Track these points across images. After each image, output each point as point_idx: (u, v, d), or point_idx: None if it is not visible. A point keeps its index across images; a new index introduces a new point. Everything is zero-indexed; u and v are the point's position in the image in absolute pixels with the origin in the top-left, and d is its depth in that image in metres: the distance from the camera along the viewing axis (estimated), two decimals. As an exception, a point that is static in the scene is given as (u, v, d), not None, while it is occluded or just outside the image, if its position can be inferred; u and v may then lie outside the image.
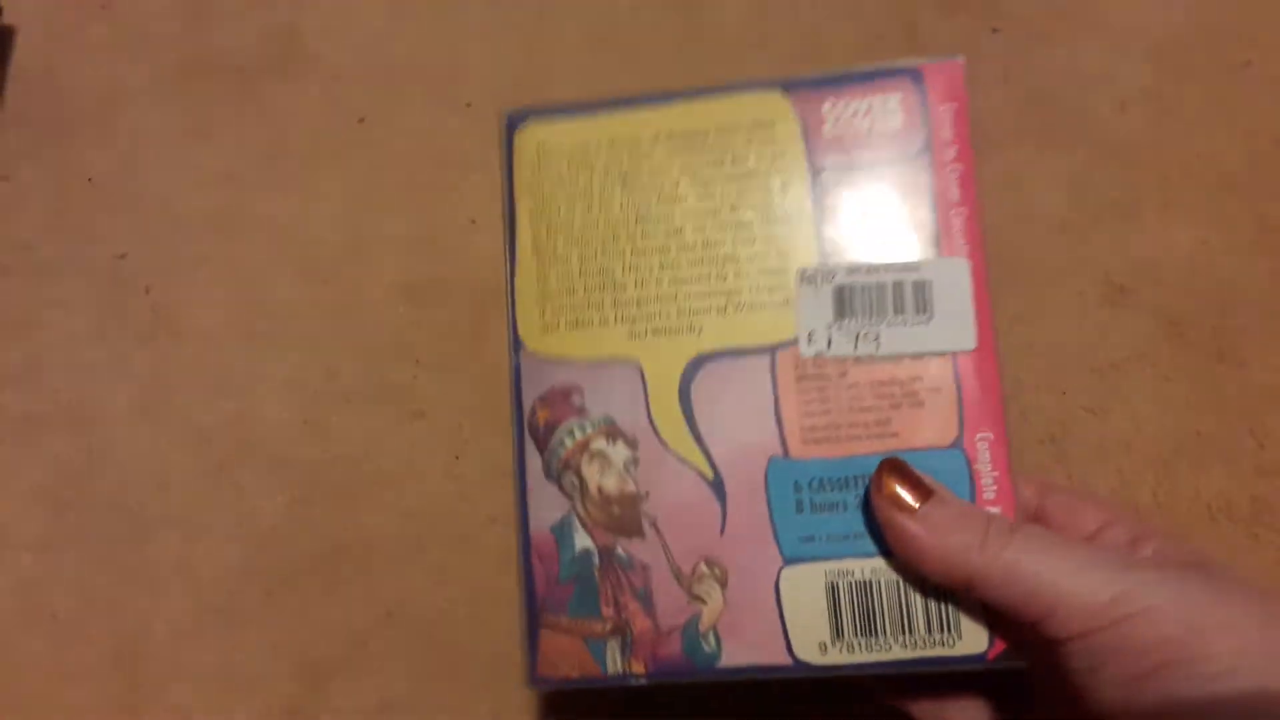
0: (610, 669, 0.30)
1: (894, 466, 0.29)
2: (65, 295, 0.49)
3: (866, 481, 0.30)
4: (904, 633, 0.29)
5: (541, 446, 0.31)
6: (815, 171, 0.31)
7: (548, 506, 0.31)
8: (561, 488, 0.31)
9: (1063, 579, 0.26)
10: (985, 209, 0.45)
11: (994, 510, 0.29)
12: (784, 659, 0.30)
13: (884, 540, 0.29)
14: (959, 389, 0.30)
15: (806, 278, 0.31)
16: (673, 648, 0.30)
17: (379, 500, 0.44)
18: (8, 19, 0.53)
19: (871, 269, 0.31)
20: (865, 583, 0.30)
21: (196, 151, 0.51)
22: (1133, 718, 0.25)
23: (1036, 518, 0.33)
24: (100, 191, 0.51)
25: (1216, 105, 0.47)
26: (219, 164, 0.50)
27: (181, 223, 0.50)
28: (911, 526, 0.28)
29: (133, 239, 0.49)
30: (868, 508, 0.30)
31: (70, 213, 0.50)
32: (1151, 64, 0.47)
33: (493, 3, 0.52)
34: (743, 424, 0.31)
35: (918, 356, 0.30)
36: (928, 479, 0.29)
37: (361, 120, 0.51)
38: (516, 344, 0.32)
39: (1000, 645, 0.29)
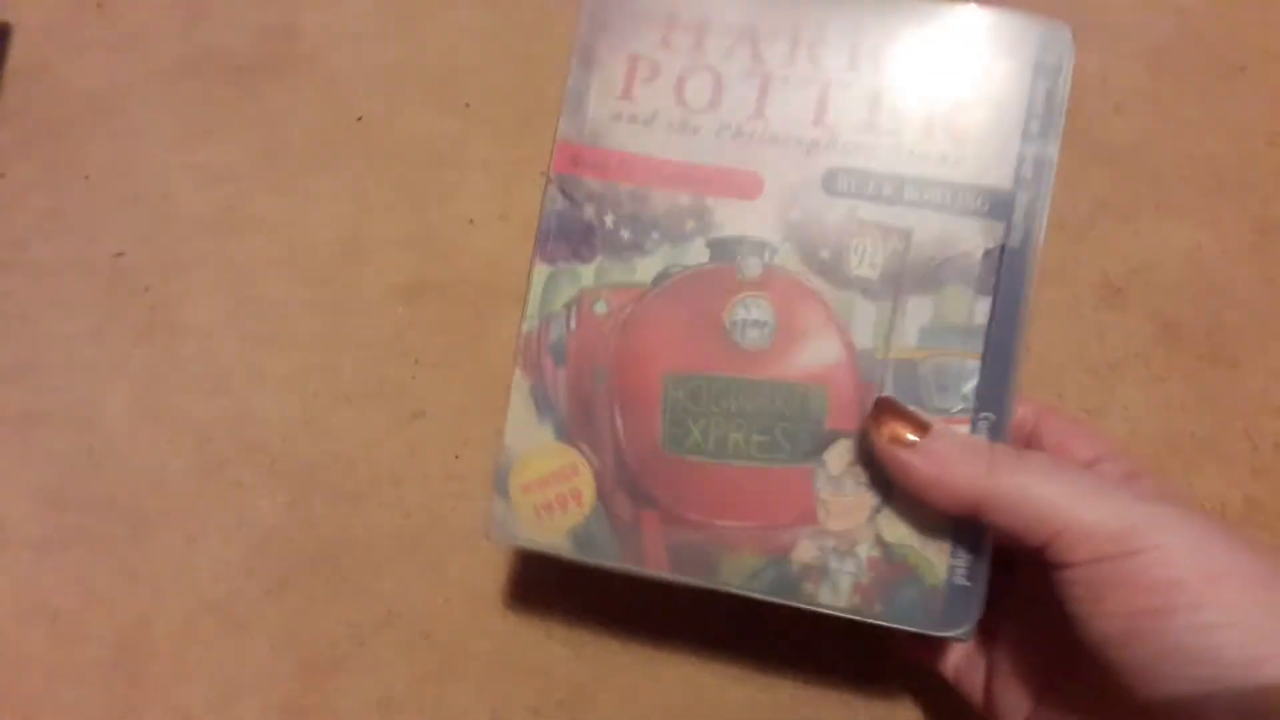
0: None
1: (888, 405, 0.29)
2: (64, 294, 0.49)
3: None
4: None
5: None
6: None
7: None
8: None
9: (1073, 503, 0.26)
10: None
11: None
12: None
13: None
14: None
15: None
16: None
17: (379, 499, 0.44)
18: (4, 17, 0.53)
19: None
20: None
21: (194, 150, 0.51)
22: (1127, 652, 0.25)
23: (1030, 438, 0.33)
24: (98, 190, 0.51)
25: (1211, 108, 0.47)
26: (217, 163, 0.50)
27: (180, 222, 0.50)
28: (915, 460, 0.28)
29: (131, 238, 0.49)
30: None
31: (68, 211, 0.50)
32: (1146, 66, 0.48)
33: (491, 2, 0.52)
34: None
35: None
36: (922, 414, 0.29)
37: (360, 119, 0.51)
38: None
39: None
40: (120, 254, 0.49)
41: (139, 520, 0.45)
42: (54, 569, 0.45)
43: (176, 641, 0.43)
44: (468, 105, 0.50)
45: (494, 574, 0.43)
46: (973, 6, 0.30)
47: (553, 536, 0.31)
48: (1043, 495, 0.26)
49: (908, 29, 0.30)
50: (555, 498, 0.31)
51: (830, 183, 0.30)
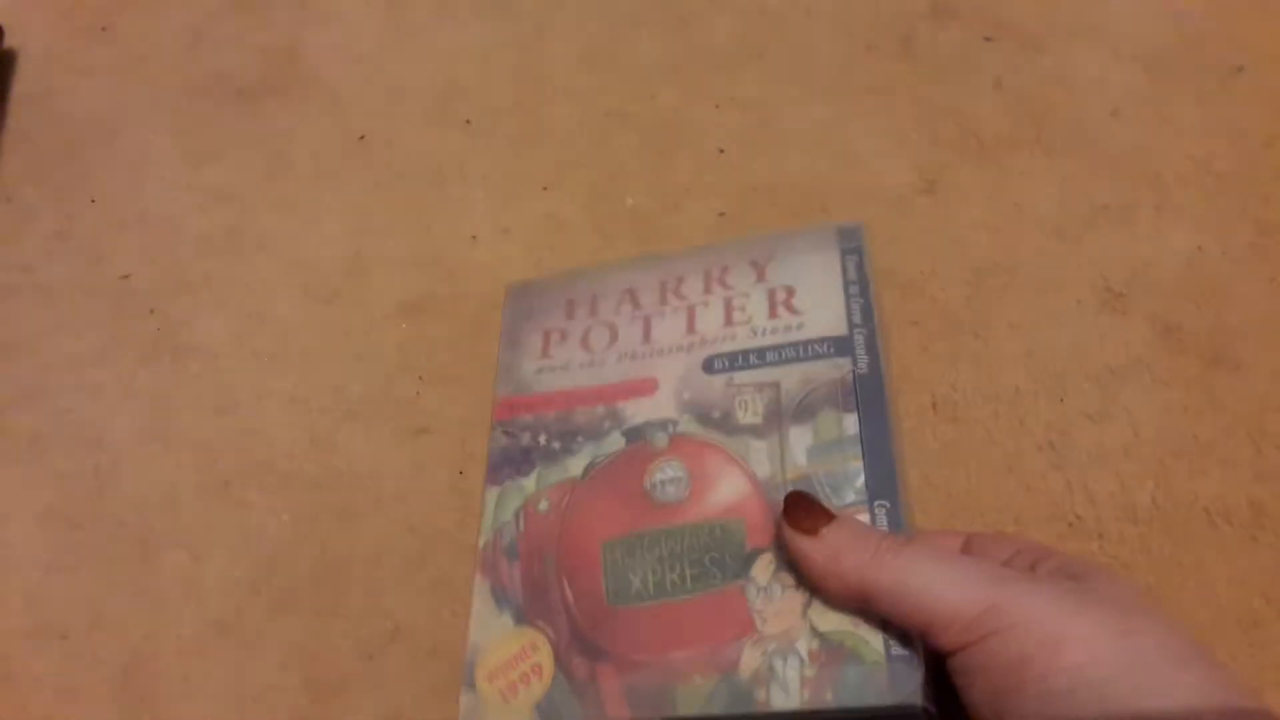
0: None
1: (798, 498, 0.31)
2: (70, 316, 0.49)
3: None
4: None
5: None
6: None
7: None
8: None
9: (942, 591, 0.26)
10: (982, 217, 0.45)
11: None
12: None
13: None
14: None
15: None
16: None
17: (384, 516, 0.44)
18: (10, 43, 0.54)
19: None
20: None
21: (198, 172, 0.51)
22: None
23: None
24: (103, 213, 0.51)
25: (1209, 110, 0.47)
26: (221, 184, 0.51)
27: (185, 243, 0.50)
28: (813, 550, 0.30)
29: (137, 259, 0.50)
30: None
31: (74, 234, 0.51)
32: (1144, 70, 0.48)
33: (490, 21, 0.52)
34: None
35: None
36: (829, 508, 0.31)
37: (362, 138, 0.51)
38: None
39: None
40: (126, 276, 0.50)
41: (147, 539, 0.45)
42: (63, 588, 0.45)
43: (184, 660, 0.43)
44: (468, 122, 0.51)
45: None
46: (788, 231, 0.41)
47: (518, 716, 0.34)
48: (914, 585, 0.27)
49: (743, 259, 0.40)
50: (519, 677, 0.34)
51: (709, 366, 0.38)
